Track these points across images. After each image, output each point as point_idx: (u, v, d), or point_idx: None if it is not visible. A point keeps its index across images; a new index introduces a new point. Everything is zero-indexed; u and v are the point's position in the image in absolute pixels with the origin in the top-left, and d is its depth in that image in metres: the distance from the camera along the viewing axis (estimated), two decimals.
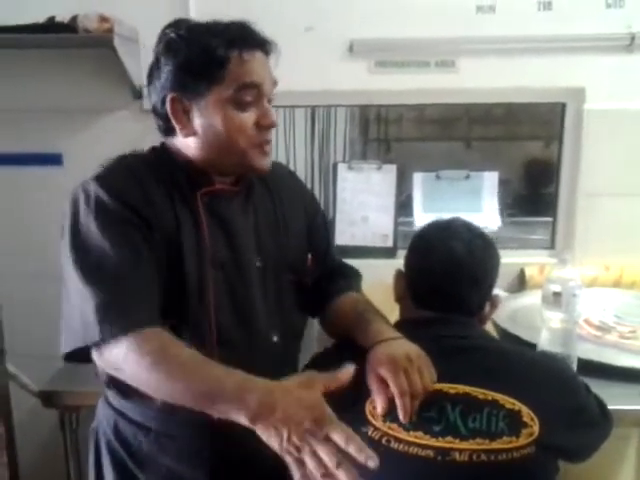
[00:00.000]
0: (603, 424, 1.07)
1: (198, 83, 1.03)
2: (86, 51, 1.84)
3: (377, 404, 0.99)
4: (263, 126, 1.07)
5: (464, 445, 0.93)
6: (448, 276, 1.13)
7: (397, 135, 3.33)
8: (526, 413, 0.94)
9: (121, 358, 0.94)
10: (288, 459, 0.84)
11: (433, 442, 0.93)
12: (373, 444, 0.97)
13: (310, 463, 0.82)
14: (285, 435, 0.84)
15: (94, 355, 0.97)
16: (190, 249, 1.05)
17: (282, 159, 2.28)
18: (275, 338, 1.13)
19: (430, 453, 0.93)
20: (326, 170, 2.34)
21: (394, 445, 0.95)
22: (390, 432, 0.96)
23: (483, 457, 0.92)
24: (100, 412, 1.19)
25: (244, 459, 1.14)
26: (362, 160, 2.22)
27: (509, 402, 0.95)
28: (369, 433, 0.98)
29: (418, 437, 0.94)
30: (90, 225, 1.00)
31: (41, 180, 1.95)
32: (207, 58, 1.01)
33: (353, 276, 1.34)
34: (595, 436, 1.05)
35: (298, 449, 0.83)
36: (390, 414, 0.98)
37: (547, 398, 0.99)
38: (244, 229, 1.13)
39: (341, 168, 2.11)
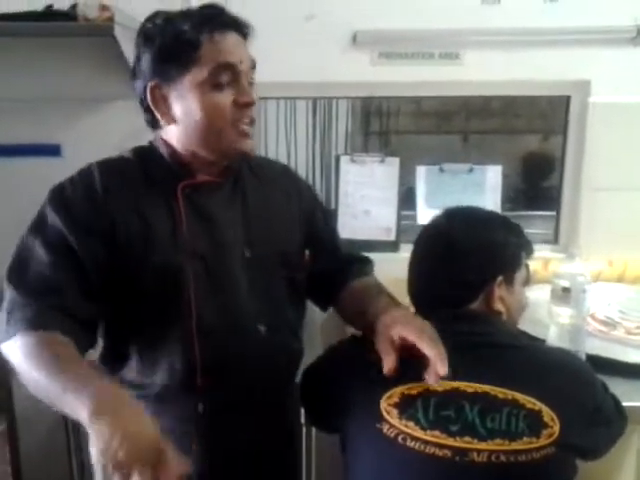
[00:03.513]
0: (618, 422, 1.06)
1: (173, 68, 1.05)
2: (86, 40, 1.79)
3: (386, 364, 0.97)
4: (241, 104, 1.06)
5: (483, 445, 0.91)
6: (430, 250, 1.15)
7: (395, 128, 3.32)
8: (547, 413, 0.93)
9: (10, 355, 0.96)
10: (102, 469, 0.77)
11: (451, 442, 0.92)
12: (388, 442, 0.96)
13: None
14: (115, 453, 0.76)
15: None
16: (165, 242, 1.06)
17: (283, 152, 2.26)
18: (262, 329, 1.13)
19: (448, 453, 0.91)
20: (327, 163, 2.31)
21: (410, 444, 0.94)
22: (406, 430, 0.95)
23: (502, 458, 0.90)
24: None
25: (232, 454, 1.14)
26: (363, 152, 2.19)
27: (530, 402, 0.94)
28: (384, 430, 0.96)
29: (435, 436, 0.93)
30: (33, 239, 1.04)
31: (40, 171, 1.89)
32: (179, 42, 1.03)
33: (365, 262, 1.35)
34: (611, 434, 1.04)
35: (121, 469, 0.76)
36: (406, 411, 0.96)
37: (568, 397, 0.97)
38: (229, 221, 1.13)
39: (343, 161, 2.09)
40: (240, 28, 1.08)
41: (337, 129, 2.40)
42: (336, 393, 1.08)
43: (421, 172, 2.12)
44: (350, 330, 1.57)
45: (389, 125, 3.19)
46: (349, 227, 2.04)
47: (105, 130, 1.90)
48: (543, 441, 0.91)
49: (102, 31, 1.67)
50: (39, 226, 1.04)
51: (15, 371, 0.96)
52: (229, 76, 1.05)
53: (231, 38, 1.06)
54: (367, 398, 1.00)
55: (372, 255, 1.39)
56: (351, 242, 1.99)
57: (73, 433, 1.56)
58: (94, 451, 0.78)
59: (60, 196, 1.06)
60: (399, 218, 2.07)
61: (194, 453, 1.11)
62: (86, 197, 1.06)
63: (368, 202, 2.06)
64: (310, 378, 1.18)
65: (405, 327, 1.00)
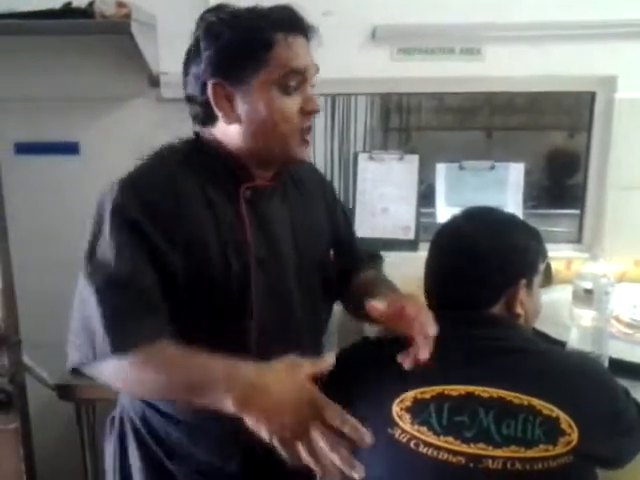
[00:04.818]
0: None
1: (243, 67, 1.00)
2: (103, 37, 1.79)
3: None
4: (307, 112, 1.04)
5: (498, 452, 0.88)
6: (451, 250, 1.13)
7: (417, 124, 3.27)
8: (564, 420, 0.89)
9: (116, 371, 0.93)
10: (278, 444, 0.82)
11: (465, 448, 0.89)
12: (400, 447, 0.93)
13: (304, 449, 0.81)
14: (278, 423, 0.82)
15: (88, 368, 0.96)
16: (232, 246, 1.04)
17: None
18: (307, 332, 1.14)
19: (461, 460, 0.88)
20: (346, 160, 2.29)
21: (423, 449, 0.91)
22: (419, 435, 0.92)
23: (518, 466, 0.87)
24: (125, 401, 1.17)
25: (274, 451, 1.12)
26: (382, 150, 2.15)
27: (546, 408, 0.90)
28: (396, 435, 0.94)
29: (448, 442, 0.90)
30: (106, 237, 0.97)
31: (58, 169, 1.91)
32: (253, 40, 0.99)
33: (375, 258, 1.36)
34: (635, 442, 1.00)
35: (292, 436, 0.81)
36: (419, 416, 0.94)
37: (587, 404, 0.93)
38: (282, 226, 1.12)
39: (362, 158, 2.06)
40: (308, 32, 1.05)
41: (356, 126, 2.37)
42: (347, 396, 1.05)
43: (441, 170, 2.08)
44: (367, 332, 1.55)
45: (410, 121, 3.15)
46: (367, 225, 2.02)
47: (123, 128, 1.90)
48: (560, 449, 0.88)
49: (119, 28, 1.67)
50: (115, 227, 0.97)
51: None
52: (297, 81, 1.03)
53: (301, 42, 1.03)
54: (379, 402, 0.98)
55: (390, 254, 1.37)
56: (369, 241, 1.97)
57: (87, 431, 1.56)
58: (262, 434, 0.83)
59: (135, 191, 1.00)
60: (418, 216, 2.04)
61: (235, 451, 1.10)
62: (161, 190, 1.00)
63: (386, 200, 2.03)
64: (322, 381, 1.16)
65: (407, 301, 1.01)
